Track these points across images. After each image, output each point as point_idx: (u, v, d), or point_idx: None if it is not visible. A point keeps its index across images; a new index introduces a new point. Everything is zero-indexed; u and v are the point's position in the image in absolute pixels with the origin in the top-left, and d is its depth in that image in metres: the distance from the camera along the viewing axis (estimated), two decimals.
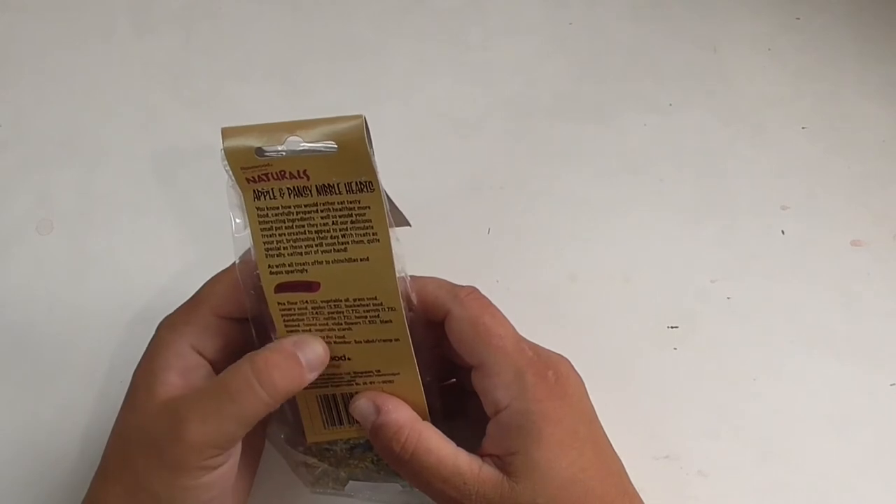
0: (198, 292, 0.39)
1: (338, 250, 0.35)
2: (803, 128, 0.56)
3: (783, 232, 0.53)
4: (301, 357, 0.36)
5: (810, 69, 0.59)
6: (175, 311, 0.39)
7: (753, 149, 0.56)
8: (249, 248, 0.36)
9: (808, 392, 0.49)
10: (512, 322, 0.39)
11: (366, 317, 0.37)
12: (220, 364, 0.38)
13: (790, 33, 0.60)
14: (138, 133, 0.56)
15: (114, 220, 0.53)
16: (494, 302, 0.39)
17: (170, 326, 0.38)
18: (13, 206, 0.54)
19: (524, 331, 0.39)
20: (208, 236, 0.52)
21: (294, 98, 0.57)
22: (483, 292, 0.39)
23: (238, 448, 0.37)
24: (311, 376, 0.37)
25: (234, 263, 0.37)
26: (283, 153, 0.34)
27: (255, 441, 0.41)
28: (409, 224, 0.40)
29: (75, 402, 0.48)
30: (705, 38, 0.60)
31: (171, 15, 0.60)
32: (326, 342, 0.37)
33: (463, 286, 0.39)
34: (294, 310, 0.37)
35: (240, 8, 0.61)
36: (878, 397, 0.48)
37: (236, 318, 0.38)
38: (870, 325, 0.50)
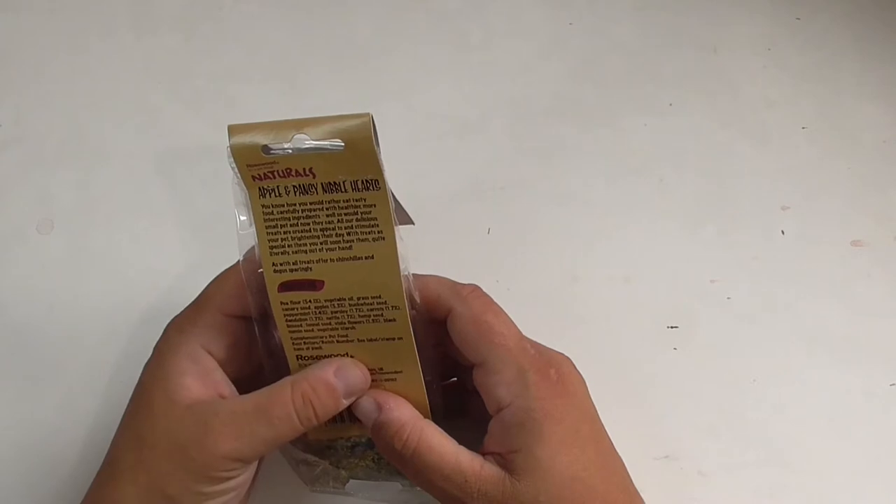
0: (203, 292, 0.39)
1: (343, 248, 0.35)
2: (803, 128, 0.57)
3: (783, 232, 0.53)
4: (341, 387, 0.37)
5: (810, 69, 0.59)
6: (182, 312, 0.39)
7: (753, 149, 0.56)
8: (253, 246, 0.36)
9: (808, 392, 0.49)
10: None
11: (369, 315, 0.36)
12: (228, 362, 0.38)
13: (790, 33, 0.60)
14: (138, 133, 0.56)
15: (114, 220, 0.53)
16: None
17: (178, 328, 0.38)
18: (13, 206, 0.54)
19: (525, 330, 0.39)
20: (209, 236, 0.52)
21: (294, 98, 0.57)
22: None
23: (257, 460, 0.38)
24: (347, 403, 0.38)
25: (239, 261, 0.37)
26: (290, 151, 0.34)
27: None
28: (412, 223, 0.40)
29: (75, 402, 0.48)
30: (705, 39, 0.60)
31: (171, 15, 0.60)
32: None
33: (465, 284, 0.39)
34: (297, 309, 0.37)
35: (240, 8, 0.61)
36: (878, 397, 0.49)
37: (243, 316, 0.38)
38: (870, 325, 0.50)
